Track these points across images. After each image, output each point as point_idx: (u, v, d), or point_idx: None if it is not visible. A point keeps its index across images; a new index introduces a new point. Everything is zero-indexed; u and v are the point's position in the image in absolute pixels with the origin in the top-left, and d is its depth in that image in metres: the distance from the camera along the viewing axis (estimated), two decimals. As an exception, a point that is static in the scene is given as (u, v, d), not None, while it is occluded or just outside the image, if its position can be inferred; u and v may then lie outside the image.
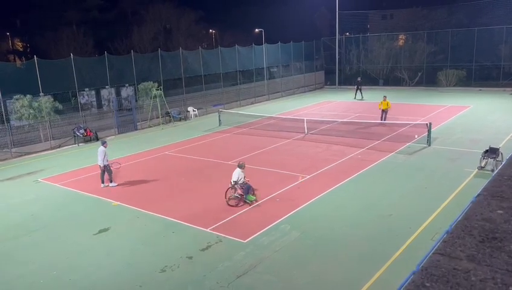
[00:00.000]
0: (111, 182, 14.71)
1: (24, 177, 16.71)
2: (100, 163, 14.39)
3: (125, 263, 9.53)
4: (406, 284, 1.61)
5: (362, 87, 34.53)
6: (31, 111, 21.42)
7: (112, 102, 26.22)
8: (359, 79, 35.14)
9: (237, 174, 12.53)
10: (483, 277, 1.55)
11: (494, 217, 2.12)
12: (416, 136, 19.23)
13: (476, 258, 1.69)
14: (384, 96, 23.98)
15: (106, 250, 10.19)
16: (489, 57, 37.21)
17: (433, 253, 1.74)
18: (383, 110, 23.42)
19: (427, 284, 1.49)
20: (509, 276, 1.59)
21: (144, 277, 8.82)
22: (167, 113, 27.74)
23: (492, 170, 13.77)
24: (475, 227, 2.00)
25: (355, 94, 34.22)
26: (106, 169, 14.55)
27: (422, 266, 1.61)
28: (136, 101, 27.69)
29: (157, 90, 26.67)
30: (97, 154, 14.55)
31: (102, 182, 14.66)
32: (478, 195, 2.60)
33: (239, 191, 12.44)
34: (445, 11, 46.13)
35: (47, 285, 8.80)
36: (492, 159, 14.22)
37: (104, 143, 14.80)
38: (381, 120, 23.12)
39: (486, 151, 14.54)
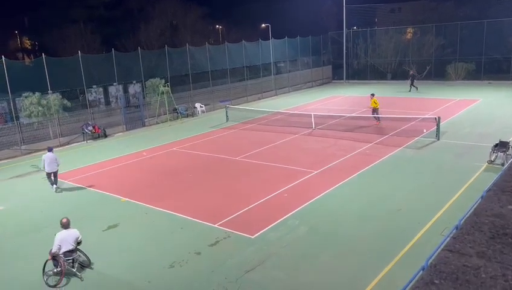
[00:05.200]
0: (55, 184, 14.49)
1: (33, 174, 16.86)
2: (52, 169, 14.19)
3: (134, 259, 9.59)
4: (415, 280, 1.58)
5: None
6: (40, 108, 21.58)
7: (120, 99, 26.33)
8: (411, 72, 34.64)
9: (79, 234, 9.22)
10: (493, 274, 1.52)
11: (505, 213, 2.07)
12: (424, 131, 19.07)
13: (486, 254, 1.65)
14: (372, 94, 22.41)
15: (115, 246, 10.26)
16: (499, 49, 36.69)
17: (442, 249, 1.71)
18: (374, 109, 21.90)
19: (436, 281, 1.46)
20: (521, 273, 1.56)
21: (152, 273, 8.88)
22: (174, 110, 27.80)
23: (503, 164, 13.64)
24: (485, 223, 1.95)
25: (410, 88, 33.67)
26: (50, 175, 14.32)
27: (431, 263, 1.58)
28: (144, 97, 27.77)
29: (164, 86, 26.73)
30: (49, 162, 14.11)
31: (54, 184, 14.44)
32: (488, 190, 2.54)
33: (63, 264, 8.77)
34: (454, 4, 45.58)
35: (57, 280, 8.88)
36: (502, 153, 14.07)
37: (51, 149, 14.64)
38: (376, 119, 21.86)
39: (496, 145, 14.39)
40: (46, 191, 14.59)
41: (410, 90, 33.45)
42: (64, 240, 8.98)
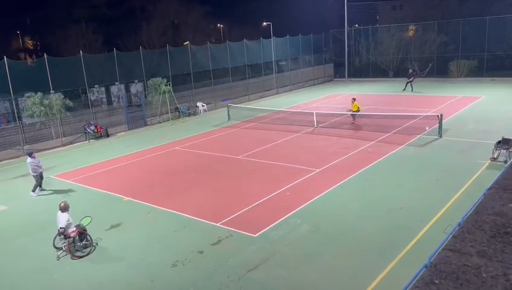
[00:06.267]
0: (33, 191, 14.25)
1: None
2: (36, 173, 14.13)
3: (137, 258, 9.61)
4: (416, 279, 1.57)
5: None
6: (42, 108, 21.63)
7: (122, 98, 26.36)
8: (411, 71, 33.51)
9: (65, 220, 9.99)
10: (494, 274, 1.50)
11: (506, 211, 2.05)
12: (427, 128, 19.02)
13: (487, 253, 1.64)
14: (353, 99, 22.47)
15: (118, 245, 10.28)
16: (501, 46, 36.53)
17: (442, 249, 1.69)
18: (354, 112, 22.02)
19: (436, 281, 1.45)
20: (522, 272, 1.54)
21: (155, 272, 8.90)
22: (176, 109, 27.83)
23: (505, 161, 13.58)
24: (486, 221, 1.94)
25: (405, 86, 32.58)
26: (37, 178, 14.23)
27: (431, 262, 1.57)
28: (146, 97, 27.80)
29: (166, 85, 26.74)
30: (30, 167, 14.13)
31: (34, 191, 14.27)
32: (489, 188, 2.53)
33: (73, 234, 9.97)
34: (456, 0, 45.35)
35: (61, 280, 8.92)
36: (505, 150, 14.02)
37: (31, 154, 14.44)
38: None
39: (499, 142, 14.33)
40: (48, 191, 14.63)
41: (405, 89, 32.32)
42: (57, 221, 10.07)
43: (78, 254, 9.90)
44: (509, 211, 1.97)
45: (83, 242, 10.11)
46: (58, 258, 9.80)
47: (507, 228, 1.82)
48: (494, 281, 1.45)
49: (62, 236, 9.93)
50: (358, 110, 22.06)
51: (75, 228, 10.04)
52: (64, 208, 10.12)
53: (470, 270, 1.52)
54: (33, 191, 14.25)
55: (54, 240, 10.15)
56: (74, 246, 10.00)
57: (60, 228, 9.88)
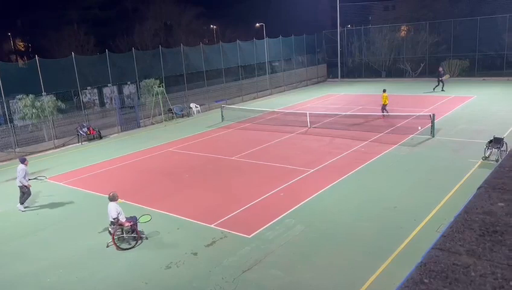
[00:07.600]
0: (22, 204, 13.06)
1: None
2: (23, 183, 12.83)
3: (131, 260, 9.57)
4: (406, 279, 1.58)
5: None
6: (34, 111, 21.47)
7: (114, 100, 26.25)
8: (440, 69, 32.04)
9: (115, 210, 10.22)
10: (483, 272, 1.52)
11: (495, 210, 2.08)
12: (419, 128, 19.14)
13: (476, 252, 1.65)
14: (384, 90, 23.04)
15: (111, 248, 10.23)
16: (492, 46, 36.87)
17: (432, 248, 1.71)
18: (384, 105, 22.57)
19: (426, 281, 1.46)
20: (510, 271, 1.56)
21: (149, 274, 8.87)
22: (170, 110, 27.76)
23: (497, 160, 13.71)
24: (475, 220, 1.95)
25: (442, 86, 30.77)
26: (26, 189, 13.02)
27: (421, 262, 1.58)
28: (139, 98, 27.72)
29: (159, 87, 26.68)
30: (16, 173, 12.94)
31: (22, 203, 13.01)
32: (479, 187, 2.55)
33: (127, 224, 10.23)
34: (448, 1, 45.70)
35: (53, 283, 8.87)
36: (496, 149, 14.16)
37: (24, 161, 13.18)
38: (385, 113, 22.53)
39: (491, 141, 14.47)
40: (41, 193, 14.53)
41: (443, 90, 30.46)
42: (108, 211, 10.36)
43: (124, 245, 10.11)
44: (498, 210, 1.99)
45: (132, 235, 10.31)
46: (108, 245, 10.17)
47: (496, 227, 1.84)
48: (483, 279, 1.46)
49: (113, 226, 10.19)
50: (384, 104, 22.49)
51: (125, 219, 10.25)
52: (113, 198, 10.34)
53: (459, 269, 1.53)
54: (21, 203, 13.03)
55: (109, 227, 10.47)
56: (123, 238, 10.31)
57: (113, 219, 10.11)
